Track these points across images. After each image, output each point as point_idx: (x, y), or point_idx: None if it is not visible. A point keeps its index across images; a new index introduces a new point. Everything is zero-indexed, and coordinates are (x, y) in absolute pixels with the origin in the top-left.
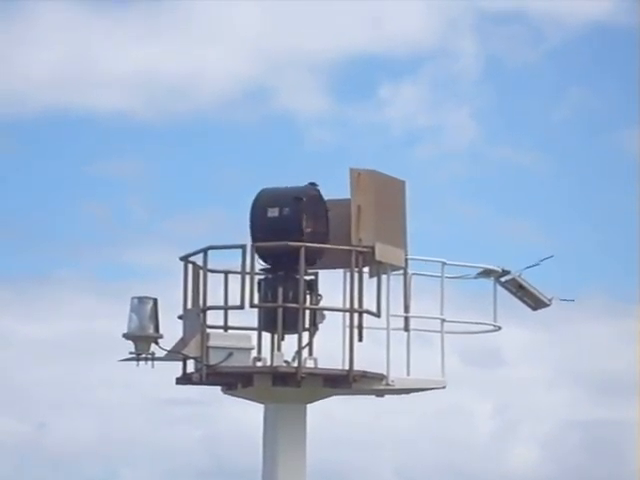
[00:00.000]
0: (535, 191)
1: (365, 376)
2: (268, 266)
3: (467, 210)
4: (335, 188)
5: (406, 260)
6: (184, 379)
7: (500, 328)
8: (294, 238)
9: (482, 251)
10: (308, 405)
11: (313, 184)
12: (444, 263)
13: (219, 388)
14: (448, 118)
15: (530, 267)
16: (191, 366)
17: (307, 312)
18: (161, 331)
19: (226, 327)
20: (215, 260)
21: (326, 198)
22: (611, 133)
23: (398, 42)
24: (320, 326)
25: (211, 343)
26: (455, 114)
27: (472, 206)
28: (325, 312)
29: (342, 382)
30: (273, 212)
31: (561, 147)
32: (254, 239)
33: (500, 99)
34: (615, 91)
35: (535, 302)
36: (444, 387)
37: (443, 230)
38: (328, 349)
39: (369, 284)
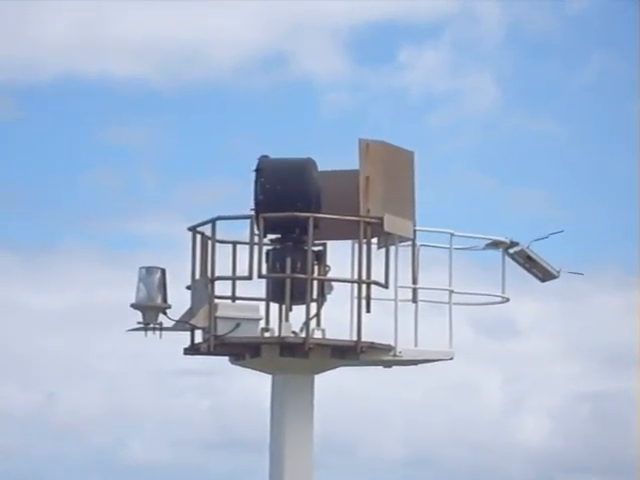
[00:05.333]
0: (548, 161)
1: (373, 347)
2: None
3: (478, 180)
4: (351, 155)
5: (414, 231)
6: (192, 349)
7: (508, 300)
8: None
9: (492, 222)
10: (316, 376)
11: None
12: (452, 234)
13: (227, 358)
14: (468, 84)
15: (539, 240)
16: (199, 336)
17: (315, 283)
18: (169, 301)
19: (234, 297)
20: (223, 230)
21: (335, 168)
22: (633, 101)
23: (419, 5)
24: (328, 297)
25: (219, 313)
26: (475, 79)
27: (483, 176)
28: (333, 283)
29: (350, 353)
30: None
31: (579, 115)
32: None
33: (521, 64)
34: (637, 58)
35: (543, 274)
36: (451, 358)
37: (452, 200)
38: (336, 320)
39: (377, 255)
